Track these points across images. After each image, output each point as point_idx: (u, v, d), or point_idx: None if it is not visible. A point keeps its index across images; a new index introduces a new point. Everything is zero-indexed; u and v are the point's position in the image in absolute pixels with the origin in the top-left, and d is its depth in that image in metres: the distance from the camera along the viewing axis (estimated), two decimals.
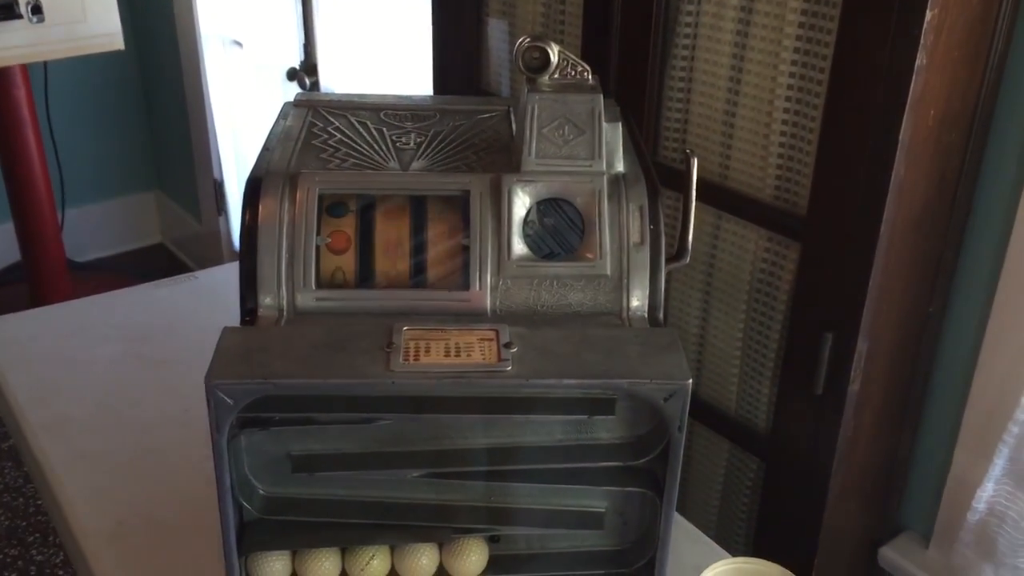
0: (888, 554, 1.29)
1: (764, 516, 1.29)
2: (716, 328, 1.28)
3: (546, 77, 0.87)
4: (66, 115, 2.94)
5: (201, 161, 2.97)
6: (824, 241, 1.09)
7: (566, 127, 0.85)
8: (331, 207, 0.85)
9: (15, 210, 2.66)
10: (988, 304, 1.12)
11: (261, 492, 0.83)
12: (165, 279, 1.60)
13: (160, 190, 3.38)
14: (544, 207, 0.85)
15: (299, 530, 0.83)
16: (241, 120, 2.80)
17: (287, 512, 0.83)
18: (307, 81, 2.37)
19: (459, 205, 0.85)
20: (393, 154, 0.91)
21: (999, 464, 1.13)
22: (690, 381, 0.75)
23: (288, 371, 0.73)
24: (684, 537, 1.08)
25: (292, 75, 2.41)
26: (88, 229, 3.16)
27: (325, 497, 0.84)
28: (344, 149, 0.91)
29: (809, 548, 1.21)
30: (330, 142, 0.92)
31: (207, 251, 3.10)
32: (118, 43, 2.37)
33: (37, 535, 2.19)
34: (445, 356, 0.77)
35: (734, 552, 1.11)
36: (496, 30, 1.51)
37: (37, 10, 2.25)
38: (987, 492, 1.15)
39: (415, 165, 0.89)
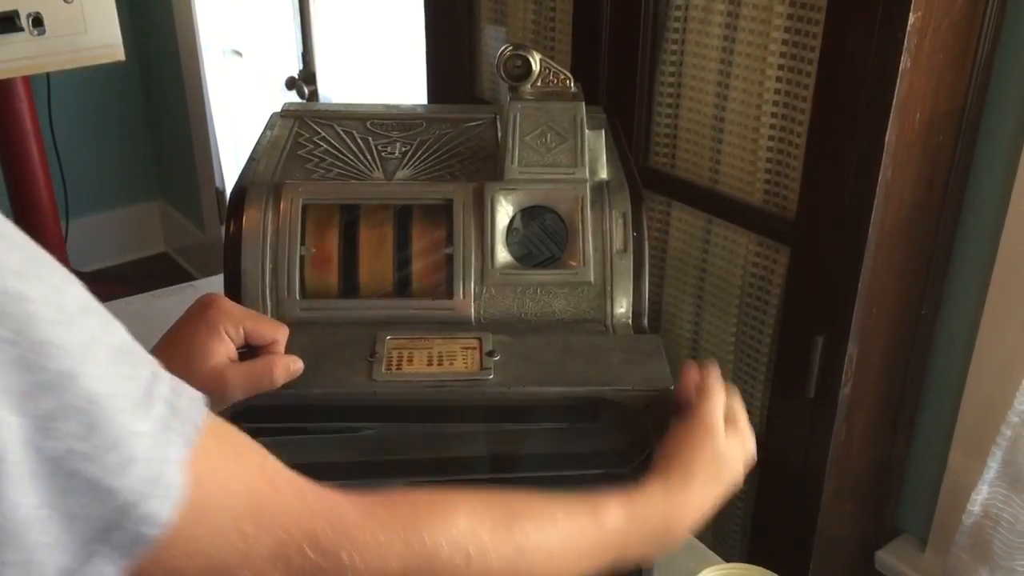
0: (885, 558, 1.28)
1: (759, 521, 1.29)
2: (708, 332, 1.28)
3: (528, 85, 0.87)
4: (69, 126, 2.96)
5: (203, 170, 2.98)
6: (813, 244, 1.09)
7: (548, 135, 0.86)
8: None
9: (19, 221, 2.64)
10: (980, 305, 1.12)
11: None
12: (165, 289, 1.61)
13: (163, 200, 3.39)
14: (527, 215, 0.86)
15: None
16: (242, 129, 2.81)
17: None
18: (305, 90, 2.38)
19: (443, 214, 0.86)
20: (378, 163, 0.91)
21: (993, 467, 1.13)
22: (672, 388, 0.75)
23: None
24: None
25: (291, 84, 2.42)
26: (92, 239, 3.17)
27: None
28: (329, 159, 0.92)
29: (804, 552, 1.21)
30: (315, 152, 0.93)
31: (211, 260, 3.11)
32: (119, 54, 2.37)
33: None
34: (428, 365, 0.77)
35: (729, 558, 1.10)
36: (491, 37, 1.51)
37: (38, 22, 2.26)
38: (982, 495, 1.15)
39: (399, 174, 0.90)
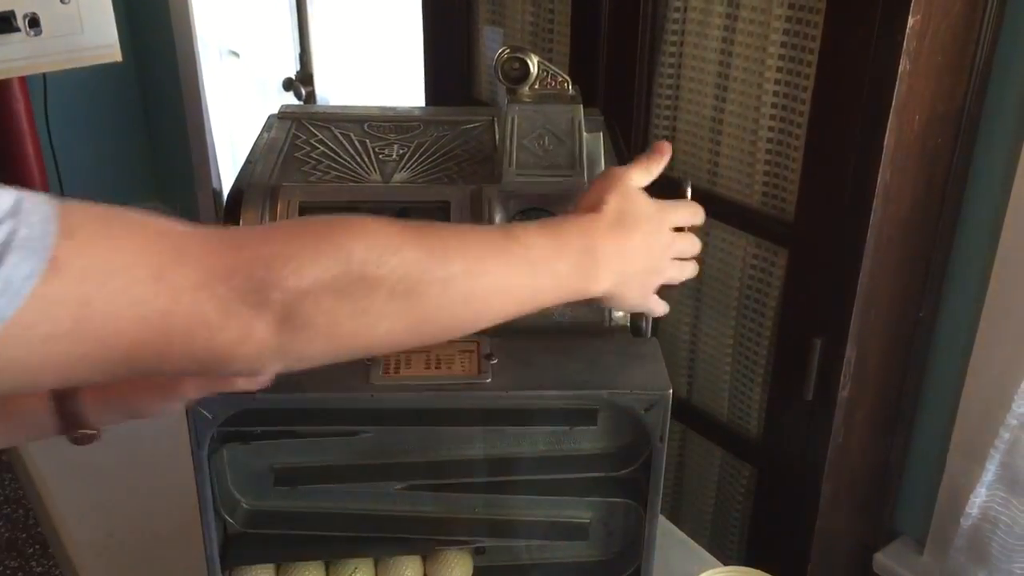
0: (882, 560, 1.28)
1: (757, 523, 1.29)
2: (707, 335, 1.28)
3: (526, 88, 0.86)
4: (65, 126, 2.95)
5: (200, 171, 2.98)
6: (811, 247, 1.09)
7: (546, 137, 0.85)
8: None
9: None
10: (979, 308, 1.12)
11: (244, 506, 0.83)
12: None
13: (159, 200, 3.38)
14: (525, 218, 0.85)
15: (282, 543, 0.83)
16: (239, 130, 2.81)
17: (270, 525, 0.83)
18: (302, 91, 2.38)
19: (440, 216, 0.85)
20: (375, 166, 0.91)
21: (991, 469, 1.13)
22: (670, 391, 0.75)
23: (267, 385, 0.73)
24: (675, 545, 1.08)
25: (288, 85, 2.42)
26: None
27: (308, 510, 0.84)
28: (327, 161, 0.91)
29: (802, 554, 1.21)
30: (313, 154, 0.93)
31: None
32: (116, 55, 2.37)
33: (37, 547, 2.20)
34: (425, 368, 0.77)
35: (727, 560, 1.10)
36: (489, 39, 1.51)
37: (35, 23, 2.26)
38: (980, 497, 1.15)
39: (397, 177, 0.89)
